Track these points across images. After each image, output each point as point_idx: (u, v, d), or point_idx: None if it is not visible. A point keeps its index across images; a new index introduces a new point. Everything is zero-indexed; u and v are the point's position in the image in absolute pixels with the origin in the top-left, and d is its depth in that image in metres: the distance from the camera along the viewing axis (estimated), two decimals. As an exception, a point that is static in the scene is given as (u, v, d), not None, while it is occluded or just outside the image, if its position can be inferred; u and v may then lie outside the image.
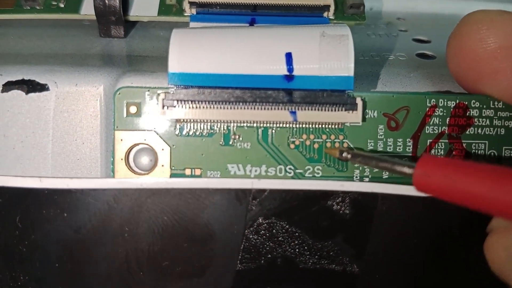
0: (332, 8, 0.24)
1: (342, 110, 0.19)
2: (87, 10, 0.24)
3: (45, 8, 0.24)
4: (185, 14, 0.24)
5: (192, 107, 0.19)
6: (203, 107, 0.19)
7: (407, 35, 0.26)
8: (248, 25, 0.23)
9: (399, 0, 0.29)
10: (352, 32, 0.20)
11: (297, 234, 0.19)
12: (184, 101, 0.19)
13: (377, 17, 0.28)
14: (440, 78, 0.22)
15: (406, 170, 0.17)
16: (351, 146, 0.20)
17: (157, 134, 0.19)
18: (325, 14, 0.24)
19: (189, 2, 0.24)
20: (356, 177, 0.20)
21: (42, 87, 0.20)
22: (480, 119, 0.20)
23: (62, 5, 0.24)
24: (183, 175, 0.19)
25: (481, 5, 0.29)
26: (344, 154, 0.19)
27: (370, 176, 0.20)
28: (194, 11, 0.24)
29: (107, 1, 0.23)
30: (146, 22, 0.25)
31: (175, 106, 0.19)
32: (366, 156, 0.19)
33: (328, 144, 0.20)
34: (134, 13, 0.24)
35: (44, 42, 0.23)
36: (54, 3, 0.24)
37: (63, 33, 0.24)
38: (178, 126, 0.19)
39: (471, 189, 0.15)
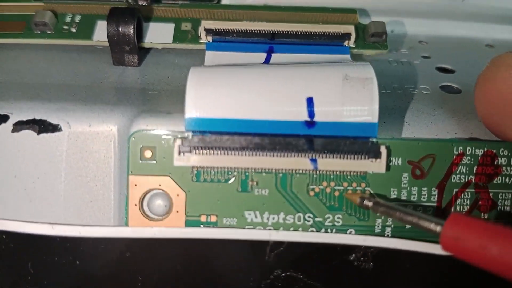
0: (353, 37, 0.23)
1: (365, 158, 0.18)
2: (100, 36, 0.23)
3: (56, 33, 0.23)
4: (201, 42, 0.23)
5: (209, 153, 0.18)
6: (220, 153, 0.18)
7: (430, 62, 0.25)
8: (266, 54, 0.22)
9: (420, 23, 0.28)
10: (373, 60, 0.19)
11: (315, 287, 0.18)
12: (201, 147, 0.18)
13: (398, 41, 0.27)
14: (466, 117, 0.21)
15: (433, 227, 0.17)
16: (374, 194, 0.19)
17: (172, 179, 0.19)
18: (345, 43, 0.23)
19: (205, 29, 0.23)
20: (378, 227, 0.19)
21: (54, 128, 0.19)
22: (509, 168, 0.19)
23: (74, 30, 0.24)
24: (198, 222, 0.19)
25: (505, 30, 0.28)
26: (365, 202, 0.18)
27: (392, 226, 0.19)
28: (210, 38, 0.23)
29: (121, 30, 0.22)
30: (160, 49, 0.24)
31: (191, 152, 0.18)
32: (389, 207, 0.18)
33: (350, 192, 0.19)
34: (149, 40, 0.24)
35: (55, 70, 0.22)
36: (65, 27, 0.24)
37: (75, 58, 0.23)
38: (194, 171, 0.19)
39: (505, 258, 0.15)
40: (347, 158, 0.18)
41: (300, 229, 0.19)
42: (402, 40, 0.27)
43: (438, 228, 0.16)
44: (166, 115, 0.19)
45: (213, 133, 0.18)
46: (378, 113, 0.18)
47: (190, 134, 0.18)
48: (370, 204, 0.18)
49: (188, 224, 0.19)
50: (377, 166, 0.18)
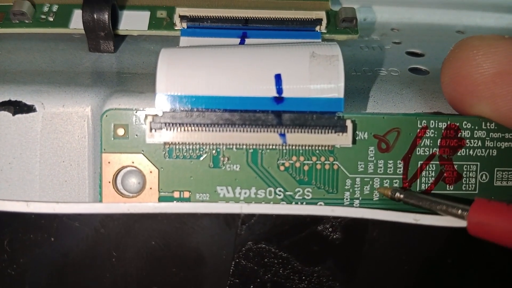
0: (324, 22, 0.23)
1: (332, 132, 0.19)
2: (76, 24, 0.24)
3: (34, 22, 0.24)
4: (176, 28, 0.23)
5: (180, 130, 0.19)
6: (192, 129, 0.19)
7: (401, 47, 0.26)
8: (240, 39, 0.22)
9: (393, 11, 0.29)
10: (345, 45, 0.19)
11: (287, 259, 0.19)
12: (172, 124, 0.19)
13: (370, 28, 0.28)
14: (433, 96, 0.21)
15: (460, 213, 0.18)
16: (342, 167, 0.19)
17: (145, 156, 0.19)
18: (317, 28, 0.23)
19: (180, 16, 0.23)
20: (347, 199, 0.19)
21: (29, 108, 0.20)
22: (472, 141, 0.20)
23: (51, 19, 0.24)
24: (172, 198, 0.19)
25: (477, 15, 0.29)
26: (397, 194, 0.19)
27: (360, 199, 0.19)
28: (185, 25, 0.23)
29: (95, 16, 0.23)
30: (136, 36, 0.25)
31: (163, 129, 0.19)
32: (420, 198, 0.19)
33: (318, 166, 0.19)
34: (124, 27, 0.24)
35: (32, 57, 0.23)
36: (43, 17, 0.24)
37: (52, 47, 0.24)
38: (166, 148, 0.19)
39: None
40: (314, 132, 0.19)
41: (271, 203, 0.19)
42: (374, 28, 0.28)
43: (465, 214, 0.17)
44: (138, 94, 0.20)
45: (184, 109, 0.19)
46: (343, 88, 0.19)
47: (161, 111, 0.19)
48: (401, 196, 0.19)
49: (162, 200, 0.19)
50: (343, 139, 0.19)
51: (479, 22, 0.29)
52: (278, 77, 0.19)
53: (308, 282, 0.19)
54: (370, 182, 0.19)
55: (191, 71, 0.19)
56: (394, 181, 0.19)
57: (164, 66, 0.19)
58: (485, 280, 0.19)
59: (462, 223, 0.18)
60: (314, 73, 0.19)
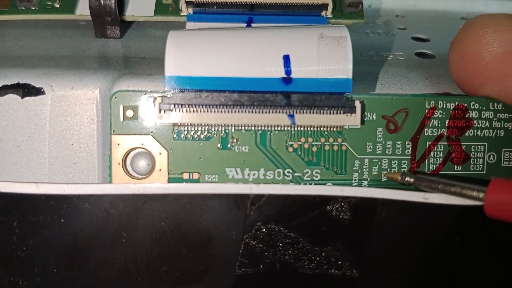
0: (330, 7, 0.23)
1: (340, 113, 0.19)
2: (83, 10, 0.24)
3: (40, 9, 0.24)
4: (182, 14, 0.23)
5: (189, 111, 0.19)
6: (200, 111, 0.19)
7: (406, 33, 0.26)
8: (246, 24, 0.23)
9: (398, -3, 0.29)
10: (351, 31, 0.19)
11: (296, 239, 0.19)
12: (181, 105, 0.19)
13: (376, 15, 0.28)
14: (439, 79, 0.21)
15: (476, 194, 0.17)
16: (350, 148, 0.20)
17: (154, 138, 0.19)
18: (323, 13, 0.23)
19: (186, 2, 0.23)
20: (355, 180, 0.20)
21: (38, 91, 0.20)
22: (480, 121, 0.20)
23: (57, 5, 0.24)
24: (181, 180, 0.19)
25: (480, 2, 0.29)
26: (407, 178, 0.19)
27: (368, 179, 0.20)
28: (190, 10, 0.23)
29: (102, 2, 0.23)
30: (142, 22, 0.25)
31: (172, 110, 0.19)
32: (431, 181, 0.18)
33: (327, 147, 0.19)
34: (130, 13, 0.24)
35: (39, 43, 0.23)
36: (49, 3, 0.24)
37: (58, 34, 0.24)
38: (175, 130, 0.19)
39: None
40: (323, 113, 0.19)
41: (280, 184, 0.19)
42: (379, 14, 0.28)
43: (481, 195, 0.17)
44: (147, 76, 0.20)
45: (193, 90, 0.19)
46: (352, 69, 0.19)
47: (170, 92, 0.19)
48: (412, 180, 0.19)
49: (171, 181, 0.19)
50: (352, 120, 0.19)
51: (482, 9, 0.29)
52: (286, 58, 0.19)
53: (317, 263, 0.19)
54: (379, 163, 0.20)
55: (200, 53, 0.19)
56: (403, 161, 0.20)
57: (172, 48, 0.19)
58: (494, 259, 0.20)
59: (472, 202, 0.18)
60: (322, 54, 0.19)
